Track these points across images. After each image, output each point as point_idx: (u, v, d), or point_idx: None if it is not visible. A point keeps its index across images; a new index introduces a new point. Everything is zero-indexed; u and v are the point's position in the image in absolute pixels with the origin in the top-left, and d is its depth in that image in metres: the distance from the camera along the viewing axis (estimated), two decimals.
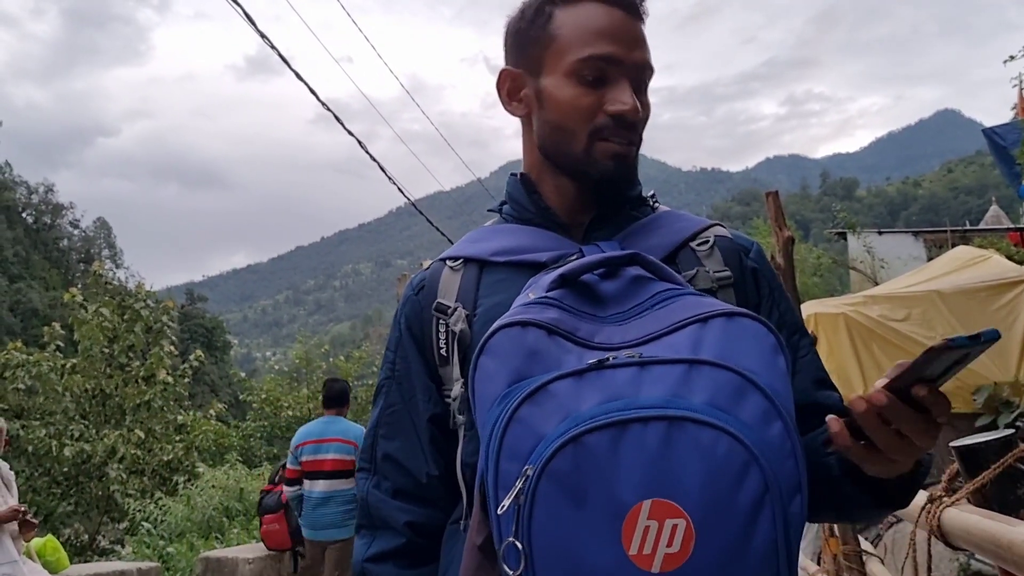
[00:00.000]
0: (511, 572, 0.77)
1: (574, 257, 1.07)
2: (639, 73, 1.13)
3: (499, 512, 0.79)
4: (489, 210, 1.30)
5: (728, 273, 1.12)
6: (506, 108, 1.21)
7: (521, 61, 1.19)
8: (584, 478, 0.76)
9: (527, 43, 1.17)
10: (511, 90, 1.21)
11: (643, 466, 0.76)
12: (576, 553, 0.76)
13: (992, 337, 0.76)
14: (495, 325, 0.90)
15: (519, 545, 0.77)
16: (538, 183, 1.20)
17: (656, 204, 1.23)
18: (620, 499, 0.75)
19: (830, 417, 0.88)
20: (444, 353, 1.13)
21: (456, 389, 1.09)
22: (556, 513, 0.76)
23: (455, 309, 1.12)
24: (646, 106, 1.14)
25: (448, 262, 1.19)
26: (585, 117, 1.11)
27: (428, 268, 1.22)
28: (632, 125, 1.11)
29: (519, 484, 0.78)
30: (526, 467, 0.78)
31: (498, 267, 1.15)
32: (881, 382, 0.86)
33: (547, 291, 0.96)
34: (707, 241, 1.16)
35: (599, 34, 1.10)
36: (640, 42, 1.13)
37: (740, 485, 0.76)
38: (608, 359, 0.84)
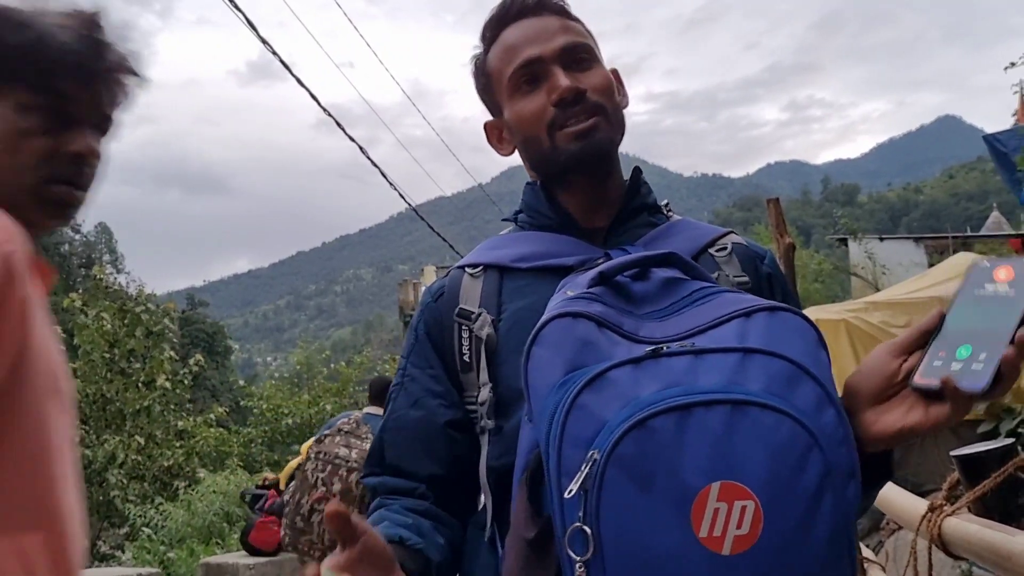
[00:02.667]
0: (578, 558, 0.77)
1: (600, 261, 1.08)
2: (568, 55, 1.16)
3: (566, 496, 0.78)
4: (504, 219, 1.31)
5: (747, 279, 1.15)
6: (499, 154, 1.28)
7: (490, 110, 1.29)
8: (650, 462, 0.77)
9: (484, 94, 1.28)
10: (497, 138, 1.28)
11: (709, 449, 0.76)
12: (646, 537, 0.76)
13: None
14: (545, 316, 0.91)
15: (587, 530, 0.77)
16: (554, 193, 1.22)
17: (670, 212, 1.25)
18: (687, 482, 0.76)
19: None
20: (467, 359, 1.13)
21: (484, 394, 1.10)
22: (624, 497, 0.76)
23: (479, 315, 1.13)
24: (593, 77, 1.17)
25: (467, 269, 1.20)
26: (538, 119, 1.16)
27: (446, 275, 1.23)
28: (577, 100, 1.13)
29: (586, 469, 0.78)
30: (591, 452, 0.78)
31: (520, 273, 1.16)
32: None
33: (587, 288, 0.97)
34: (725, 248, 1.18)
35: (515, 47, 1.18)
36: (557, 31, 1.17)
37: (803, 468, 0.77)
38: (663, 348, 0.85)
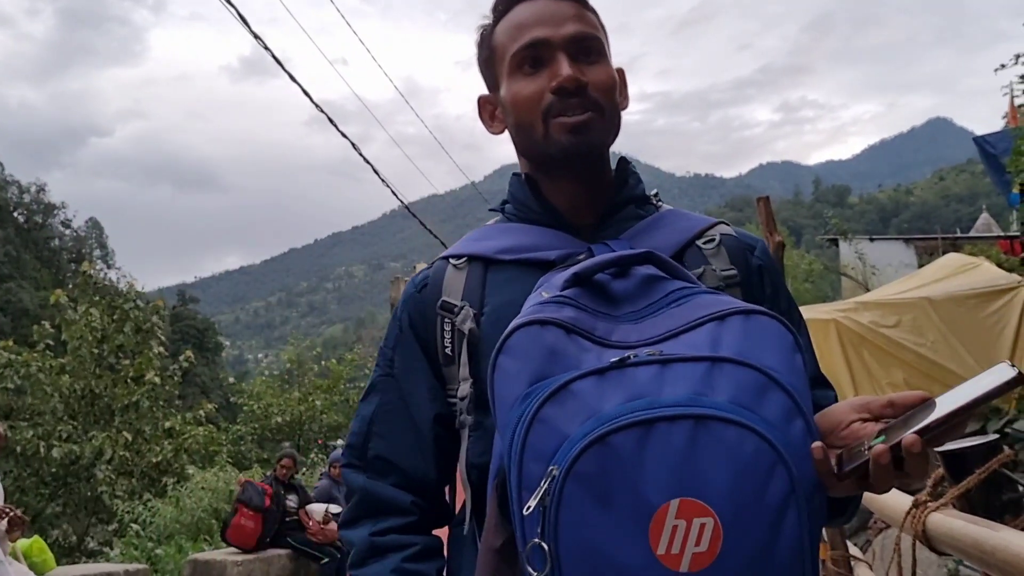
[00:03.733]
0: (535, 574, 0.76)
1: (583, 256, 1.06)
2: (577, 45, 1.13)
3: (524, 513, 0.78)
4: (491, 209, 1.29)
5: (735, 272, 1.12)
6: (488, 131, 1.26)
7: (487, 84, 1.26)
8: (610, 478, 0.75)
9: (485, 67, 1.24)
10: (489, 113, 1.26)
11: (670, 465, 0.75)
12: (603, 554, 0.75)
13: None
14: (513, 324, 0.89)
15: (545, 546, 0.76)
16: (540, 184, 1.20)
17: (660, 203, 1.23)
18: (647, 499, 0.75)
19: (816, 445, 0.81)
20: (449, 352, 1.12)
21: (464, 388, 1.08)
22: (583, 514, 0.76)
23: (462, 308, 1.11)
24: (597, 72, 1.13)
25: (451, 260, 1.18)
26: (535, 103, 1.12)
27: (430, 266, 1.21)
28: (576, 93, 1.10)
29: (545, 485, 0.77)
30: (551, 467, 0.77)
31: (504, 265, 1.14)
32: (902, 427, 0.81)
33: (561, 290, 0.95)
34: (713, 240, 1.15)
35: (524, 26, 1.14)
36: (570, 18, 1.14)
37: (767, 484, 0.76)
38: (629, 357, 0.83)
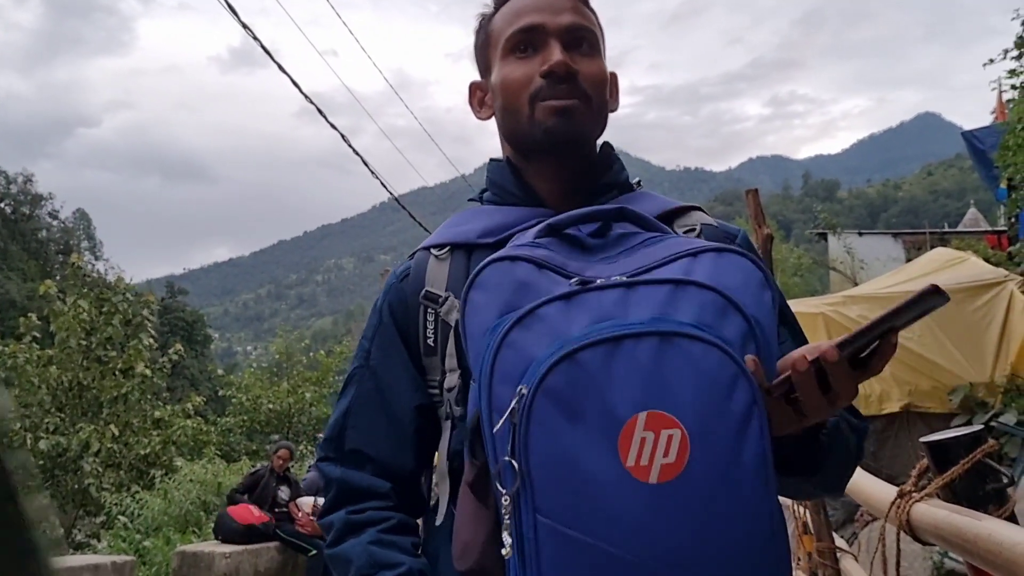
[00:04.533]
0: (505, 491, 0.77)
1: None
2: (571, 34, 1.14)
3: (494, 431, 0.79)
4: (470, 199, 1.28)
5: None
6: (477, 117, 1.26)
7: (480, 70, 1.26)
8: (579, 394, 0.77)
9: (479, 52, 1.25)
10: (478, 99, 1.26)
11: (637, 379, 0.77)
12: (573, 467, 0.76)
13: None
14: (485, 260, 0.91)
15: (515, 464, 0.77)
16: (522, 171, 1.19)
17: (639, 187, 1.23)
18: (615, 412, 0.76)
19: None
20: (431, 343, 1.10)
21: (452, 380, 1.07)
22: (552, 429, 0.77)
23: (446, 299, 1.10)
24: (590, 64, 1.14)
25: (433, 251, 1.16)
26: (523, 86, 1.13)
27: (411, 257, 1.20)
28: (566, 79, 1.11)
29: (514, 403, 0.78)
30: (520, 387, 0.78)
31: (487, 250, 1.11)
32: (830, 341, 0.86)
33: (535, 238, 0.96)
34: (693, 229, 1.15)
35: (521, 12, 1.16)
36: (567, 9, 1.15)
37: (731, 396, 0.78)
38: (596, 281, 0.85)
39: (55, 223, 50.63)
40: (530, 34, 1.14)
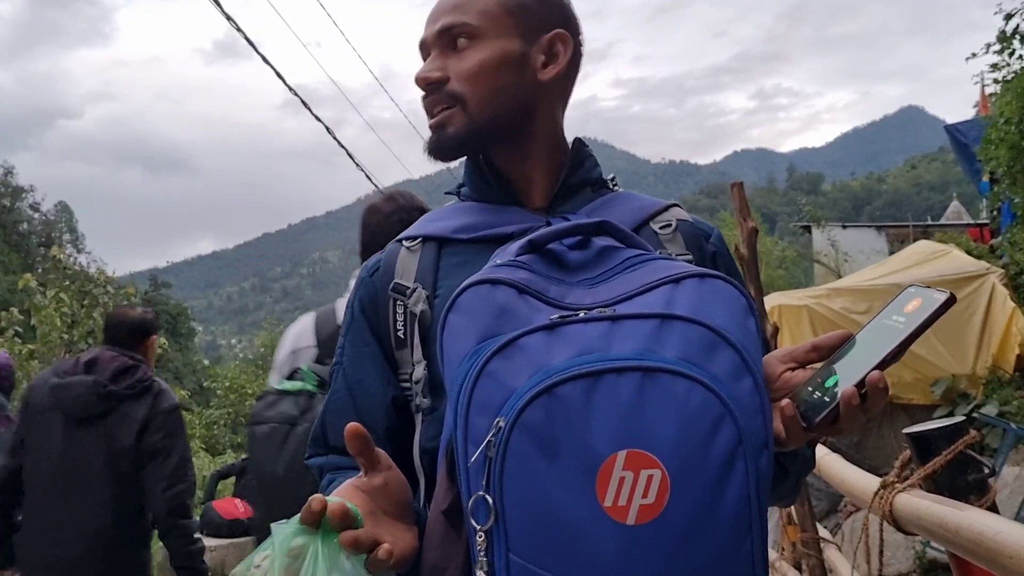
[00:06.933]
0: (479, 527, 0.75)
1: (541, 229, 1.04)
2: (443, 38, 1.13)
3: (468, 464, 0.76)
4: (447, 193, 1.27)
5: (690, 257, 1.11)
6: None
7: None
8: (557, 429, 0.74)
9: None
10: None
11: (617, 417, 0.74)
12: (549, 505, 0.73)
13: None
14: (464, 283, 0.88)
15: (489, 499, 0.74)
16: (495, 162, 1.19)
17: (616, 187, 1.22)
18: (594, 450, 0.73)
19: (785, 402, 0.85)
20: (401, 335, 1.09)
21: (418, 372, 1.06)
22: (528, 465, 0.74)
23: (414, 290, 1.09)
24: (460, 61, 1.12)
25: (404, 242, 1.16)
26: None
27: (384, 250, 1.19)
28: (428, 91, 1.12)
29: (490, 436, 0.75)
30: (497, 419, 0.76)
31: (460, 246, 1.12)
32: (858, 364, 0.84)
33: (515, 256, 0.94)
34: (669, 224, 1.15)
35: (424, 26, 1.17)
36: (445, 11, 1.13)
37: (714, 437, 0.75)
38: (579, 314, 0.83)
39: (36, 216, 50.16)
40: (422, 52, 1.17)
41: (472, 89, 1.11)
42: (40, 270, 13.28)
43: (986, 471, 1.64)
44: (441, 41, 1.13)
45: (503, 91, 1.12)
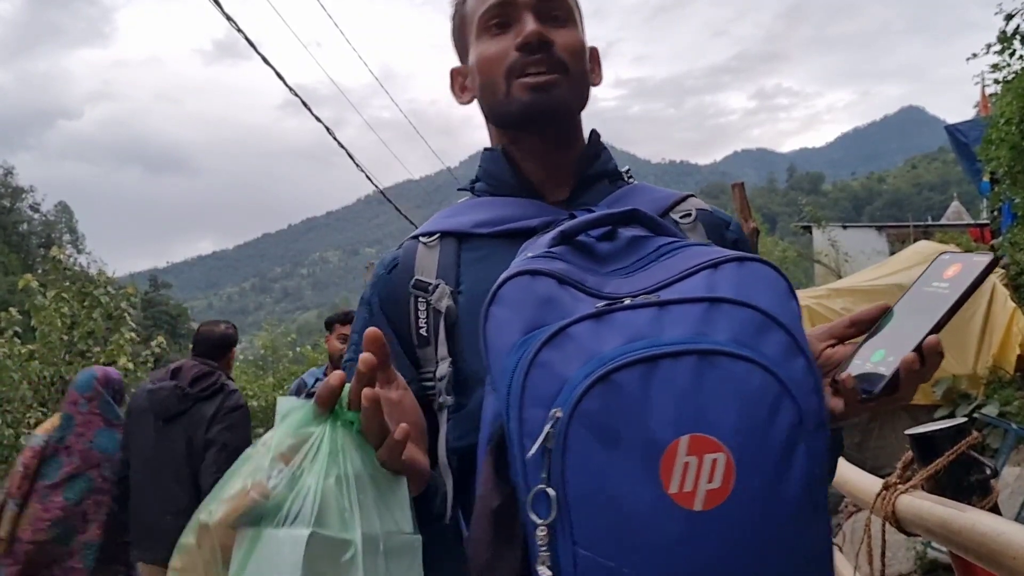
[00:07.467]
0: (541, 521, 0.73)
1: (564, 221, 1.03)
2: (543, 5, 1.12)
3: (527, 458, 0.74)
4: (460, 189, 1.26)
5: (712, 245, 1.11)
6: (458, 102, 1.25)
7: (459, 54, 1.25)
8: (616, 417, 0.73)
9: (456, 36, 1.25)
10: (459, 84, 1.25)
11: (676, 401, 0.73)
12: (613, 495, 0.71)
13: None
14: (504, 275, 0.86)
15: (551, 492, 0.72)
16: (513, 157, 1.18)
17: (631, 179, 1.22)
18: (656, 436, 0.72)
19: (844, 375, 0.85)
20: (424, 333, 1.08)
21: (443, 368, 1.05)
22: (589, 455, 0.72)
23: (437, 286, 1.08)
24: (565, 34, 1.13)
25: (422, 239, 1.14)
26: (499, 62, 1.12)
27: (400, 247, 1.18)
28: (540, 48, 1.10)
29: (548, 428, 0.73)
30: (554, 410, 0.74)
31: (480, 240, 1.11)
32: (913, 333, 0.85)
33: (548, 247, 0.93)
34: (689, 214, 1.15)
35: None
36: None
37: (775, 418, 0.74)
38: (626, 300, 0.81)
39: (36, 216, 50.18)
40: (503, 9, 1.13)
41: (574, 63, 1.13)
42: (40, 271, 13.28)
43: (988, 472, 1.64)
44: (538, 8, 1.12)
45: (585, 78, 1.17)
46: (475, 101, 1.22)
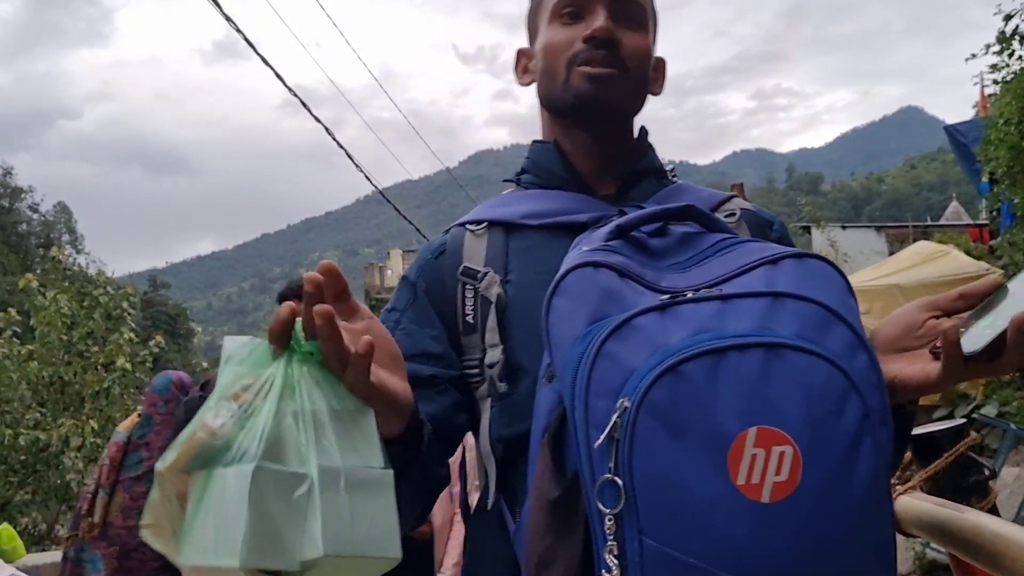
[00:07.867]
0: (608, 510, 0.73)
1: (616, 218, 1.02)
2: (619, 5, 1.13)
3: (594, 447, 0.74)
4: (506, 180, 1.27)
5: None
6: (518, 82, 1.26)
7: (529, 37, 1.27)
8: (684, 408, 0.73)
9: (529, 18, 1.26)
10: (523, 66, 1.26)
11: (744, 393, 0.73)
12: (680, 485, 0.72)
13: None
14: (565, 267, 0.87)
15: (618, 481, 0.72)
16: (563, 149, 1.19)
17: (675, 178, 1.23)
18: (723, 428, 0.72)
19: (951, 325, 0.84)
20: (471, 320, 1.08)
21: (493, 355, 1.04)
22: (657, 446, 0.72)
23: (486, 274, 1.08)
24: (633, 36, 1.14)
25: (469, 226, 1.14)
26: (564, 49, 1.13)
27: (446, 233, 1.17)
28: (606, 45, 1.10)
29: (615, 418, 0.73)
30: (621, 400, 0.74)
31: (528, 232, 1.12)
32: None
33: (604, 241, 0.93)
34: (734, 213, 1.15)
35: None
36: None
37: (842, 412, 0.74)
38: (687, 294, 0.82)
39: (36, 216, 50.17)
40: (573, 6, 1.14)
41: (636, 67, 1.14)
42: (39, 271, 13.28)
43: (987, 473, 1.64)
44: (614, 7, 1.13)
45: (645, 83, 1.18)
46: (533, 85, 1.23)
